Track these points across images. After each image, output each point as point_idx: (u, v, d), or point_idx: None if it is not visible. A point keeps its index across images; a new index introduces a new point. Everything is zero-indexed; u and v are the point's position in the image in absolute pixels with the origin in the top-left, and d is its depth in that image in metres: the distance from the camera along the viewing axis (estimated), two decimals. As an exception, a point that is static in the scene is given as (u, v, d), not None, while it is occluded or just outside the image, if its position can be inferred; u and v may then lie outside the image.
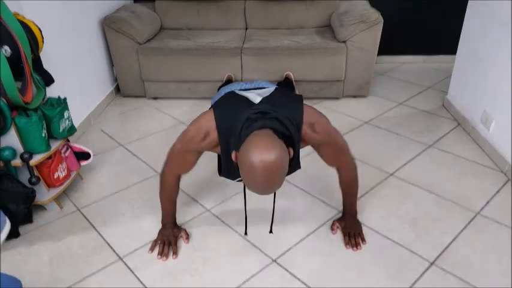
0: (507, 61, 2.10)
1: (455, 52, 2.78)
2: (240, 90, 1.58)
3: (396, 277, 1.52)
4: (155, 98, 3.15)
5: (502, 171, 2.14)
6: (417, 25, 3.63)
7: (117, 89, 3.22)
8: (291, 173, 1.45)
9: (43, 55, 1.93)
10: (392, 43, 3.59)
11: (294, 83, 2.82)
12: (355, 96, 3.09)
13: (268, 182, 1.17)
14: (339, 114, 2.84)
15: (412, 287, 1.48)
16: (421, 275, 1.53)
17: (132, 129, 2.69)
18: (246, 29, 3.36)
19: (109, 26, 2.86)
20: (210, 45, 2.92)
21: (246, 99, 1.40)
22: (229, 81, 2.80)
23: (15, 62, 1.66)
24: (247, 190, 1.49)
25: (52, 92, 1.99)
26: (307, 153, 2.31)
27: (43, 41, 1.86)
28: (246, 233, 1.73)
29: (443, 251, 1.64)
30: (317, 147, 1.51)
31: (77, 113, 2.57)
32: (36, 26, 1.82)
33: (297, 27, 3.28)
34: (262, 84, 1.67)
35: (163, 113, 2.92)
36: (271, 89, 1.48)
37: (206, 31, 3.25)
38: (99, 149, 2.45)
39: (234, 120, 1.29)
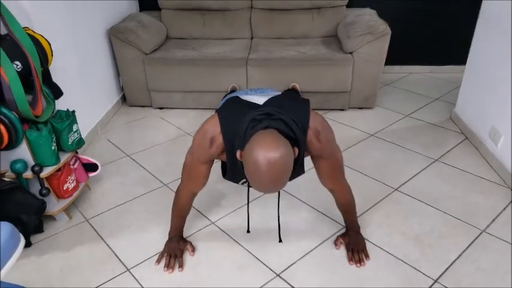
0: (514, 77, 2.10)
1: (464, 62, 2.76)
2: (245, 95, 1.58)
3: (400, 295, 1.54)
4: (161, 108, 3.18)
5: (509, 188, 2.14)
6: (425, 35, 3.63)
7: (124, 99, 3.27)
8: (295, 177, 1.44)
9: (51, 67, 1.97)
10: (400, 53, 3.59)
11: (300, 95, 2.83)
12: (361, 108, 3.10)
13: (272, 179, 1.16)
14: (344, 126, 2.85)
15: (415, 306, 1.49)
16: (425, 293, 1.55)
17: (138, 140, 2.73)
18: (252, 38, 3.39)
19: (115, 36, 2.90)
20: (215, 56, 2.95)
21: (250, 103, 1.39)
22: (233, 91, 2.82)
23: (25, 75, 1.70)
24: (251, 190, 1.47)
25: (60, 102, 2.02)
26: (307, 170, 2.34)
27: (52, 54, 1.90)
28: (248, 231, 1.71)
29: (447, 269, 1.65)
30: (316, 160, 1.49)
31: (85, 123, 2.61)
32: (46, 39, 1.86)
33: (303, 37, 3.30)
34: (267, 91, 1.68)
35: (168, 123, 2.95)
36: (277, 92, 1.47)
37: (212, 41, 3.28)
38: (106, 159, 2.48)
39: (238, 123, 1.28)
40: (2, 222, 1.02)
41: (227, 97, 1.73)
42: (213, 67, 2.92)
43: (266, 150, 1.13)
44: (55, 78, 1.99)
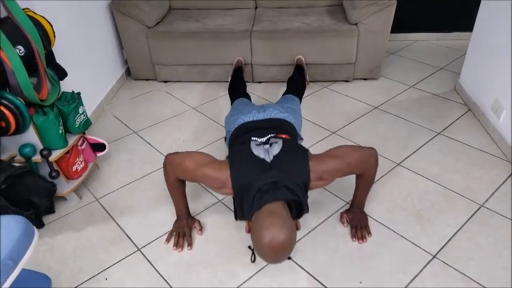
0: (521, 51, 2.07)
1: (471, 29, 2.69)
2: (253, 122, 1.80)
3: (399, 270, 1.60)
4: (166, 82, 3.17)
5: (510, 161, 2.16)
6: (431, 1, 3.52)
7: (128, 72, 3.25)
8: (300, 217, 1.54)
9: (54, 47, 1.95)
10: (405, 20, 3.51)
11: (305, 70, 2.81)
12: (366, 79, 3.07)
13: (276, 258, 1.34)
14: (349, 99, 2.85)
15: (413, 280, 1.56)
16: (423, 268, 1.61)
17: (144, 115, 2.75)
18: (256, 8, 3.31)
19: (118, 10, 2.85)
20: (219, 29, 2.90)
21: (260, 160, 1.48)
22: (238, 70, 2.79)
23: (28, 59, 1.70)
24: None
25: (65, 80, 2.02)
26: (313, 144, 2.36)
27: (54, 36, 1.88)
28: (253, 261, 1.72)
29: (445, 244, 1.71)
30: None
31: (90, 99, 2.63)
32: (47, 21, 1.83)
33: (308, 6, 3.22)
34: (274, 113, 1.84)
35: (174, 98, 2.96)
36: (279, 144, 1.54)
37: (215, 11, 3.21)
38: (113, 136, 2.52)
39: (248, 183, 1.42)
40: (16, 217, 1.07)
41: (233, 125, 1.85)
42: (217, 40, 2.88)
43: (271, 239, 1.26)
44: (58, 58, 1.97)
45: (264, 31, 2.87)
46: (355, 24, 2.80)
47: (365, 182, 1.73)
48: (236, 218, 1.61)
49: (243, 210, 1.46)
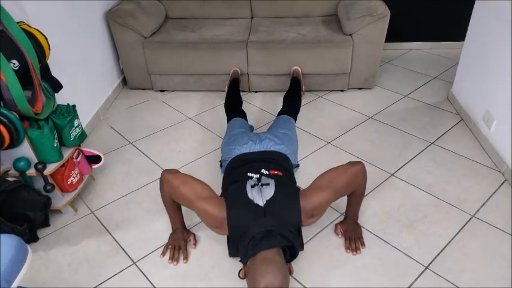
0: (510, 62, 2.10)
1: (464, 38, 2.72)
2: (249, 153, 1.89)
3: (393, 282, 1.62)
4: (162, 91, 3.19)
5: (500, 171, 2.19)
6: (425, 10, 3.56)
7: (124, 81, 3.27)
8: (296, 257, 1.58)
9: (50, 58, 1.96)
10: (399, 29, 3.54)
11: (301, 81, 2.83)
12: (360, 89, 3.10)
13: None
14: (344, 109, 2.87)
15: (406, 293, 1.58)
16: (415, 280, 1.63)
17: (140, 125, 2.76)
18: (252, 17, 3.34)
19: (114, 20, 2.87)
20: (215, 39, 2.93)
21: (253, 205, 1.53)
22: (234, 82, 2.81)
23: (23, 72, 1.70)
24: None
25: (60, 91, 2.02)
26: (308, 154, 2.38)
27: (49, 49, 1.89)
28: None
29: (437, 255, 1.73)
30: None
31: (86, 110, 2.64)
32: (42, 34, 1.84)
33: (304, 15, 3.25)
34: (269, 145, 1.93)
35: (170, 107, 2.97)
36: (271, 187, 1.59)
37: (212, 20, 3.24)
38: (109, 146, 2.53)
39: (243, 227, 1.49)
40: (8, 236, 1.07)
41: (230, 155, 1.94)
42: (213, 50, 2.90)
43: (266, 284, 1.32)
44: (54, 68, 1.98)
45: (260, 41, 2.89)
46: (350, 34, 2.83)
47: (355, 197, 1.76)
48: (230, 255, 1.66)
49: (237, 251, 1.52)
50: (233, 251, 1.62)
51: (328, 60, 2.87)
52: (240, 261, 1.53)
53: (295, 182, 1.88)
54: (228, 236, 1.63)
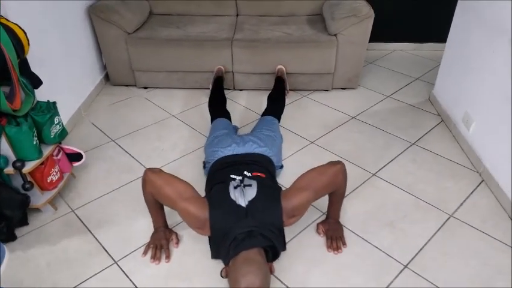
0: (490, 65, 2.15)
1: (445, 40, 2.77)
2: (232, 156, 1.91)
3: (373, 280, 1.65)
4: (145, 88, 3.16)
5: (478, 172, 2.24)
6: (409, 12, 3.61)
7: (107, 77, 3.22)
8: (278, 257, 1.61)
9: (29, 53, 1.91)
10: (383, 30, 3.58)
11: (286, 80, 2.84)
12: (344, 88, 3.13)
13: None
14: (327, 109, 2.89)
15: (385, 291, 1.61)
16: (395, 278, 1.66)
17: (122, 123, 2.72)
18: (237, 15, 3.33)
19: (97, 15, 2.82)
20: (200, 36, 2.91)
21: (236, 207, 1.54)
22: (218, 80, 2.80)
23: (1, 67, 1.66)
24: None
25: (41, 87, 1.97)
26: (291, 154, 2.40)
27: (28, 44, 1.85)
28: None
29: (416, 254, 1.76)
30: None
31: (68, 106, 2.60)
32: (21, 28, 1.79)
33: (289, 14, 3.26)
34: (252, 148, 1.95)
35: (154, 105, 2.95)
36: (254, 188, 1.61)
37: (197, 17, 3.22)
38: (91, 144, 2.49)
39: (225, 229, 1.50)
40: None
41: (213, 157, 1.95)
42: (198, 48, 2.88)
43: (247, 283, 1.33)
44: (34, 64, 1.93)
45: (245, 40, 2.89)
46: (335, 35, 2.85)
47: (336, 196, 1.79)
48: (212, 256, 1.66)
49: (219, 253, 1.54)
50: (215, 253, 1.63)
51: (312, 60, 2.89)
52: (220, 259, 1.54)
53: (277, 184, 1.89)
54: (209, 238, 1.63)
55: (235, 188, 1.62)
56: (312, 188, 1.60)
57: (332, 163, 1.72)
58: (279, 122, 2.34)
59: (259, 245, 1.46)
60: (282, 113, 2.45)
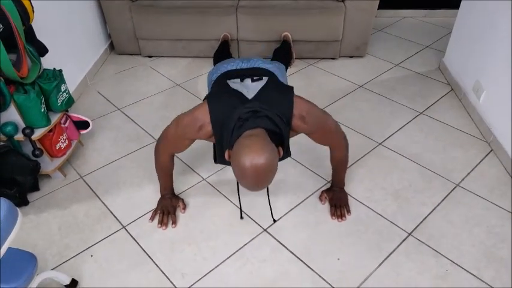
0: (504, 34, 2.09)
1: (458, 6, 2.67)
2: (236, 70, 1.64)
3: (375, 248, 1.67)
4: (150, 56, 3.13)
5: (487, 142, 2.22)
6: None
7: (112, 46, 3.19)
8: (282, 160, 1.51)
9: (34, 22, 1.90)
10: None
11: (292, 46, 2.79)
12: (351, 57, 3.07)
13: (258, 183, 1.26)
14: (334, 77, 2.85)
15: (389, 257, 1.64)
16: (398, 246, 1.68)
17: (128, 92, 2.72)
18: (243, -19, 3.23)
19: (100, -19, 2.76)
20: (204, 3, 2.85)
21: (240, 94, 1.43)
22: (225, 42, 2.76)
23: (7, 35, 1.66)
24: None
25: (46, 56, 1.98)
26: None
27: (33, 11, 1.83)
28: (241, 217, 1.80)
29: (420, 223, 1.78)
30: (308, 135, 1.57)
31: (73, 75, 2.59)
32: (26, -4, 1.78)
33: (296, -21, 3.16)
34: (258, 63, 1.69)
35: (158, 74, 2.93)
36: (263, 81, 1.49)
37: (201, -17, 3.13)
38: (97, 113, 2.50)
39: (227, 116, 1.36)
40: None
41: (218, 69, 1.73)
42: (202, 15, 2.82)
43: (252, 158, 1.20)
44: (39, 34, 1.93)
45: (250, 6, 2.82)
46: (343, 1, 2.77)
47: (337, 162, 1.77)
48: (215, 160, 1.55)
49: (223, 147, 1.39)
50: (220, 152, 1.46)
51: (319, 26, 2.82)
52: (225, 163, 1.45)
53: None
54: (214, 136, 1.48)
55: (237, 83, 1.49)
56: (325, 117, 1.54)
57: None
58: (286, 69, 2.16)
59: (264, 126, 1.32)
60: (288, 63, 2.34)
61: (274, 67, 1.75)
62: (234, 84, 1.49)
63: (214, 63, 2.36)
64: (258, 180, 1.24)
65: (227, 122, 1.35)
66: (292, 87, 1.51)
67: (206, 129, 1.43)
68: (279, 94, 1.45)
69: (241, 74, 1.57)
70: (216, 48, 2.71)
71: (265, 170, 1.22)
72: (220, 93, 1.49)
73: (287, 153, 1.53)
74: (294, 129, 1.47)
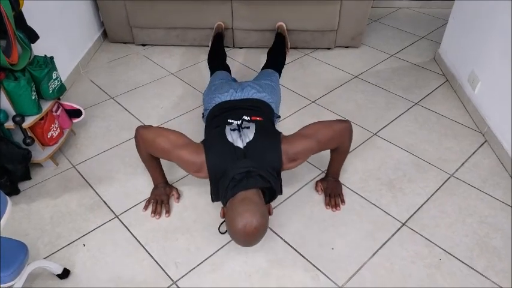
0: (500, 25, 2.08)
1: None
2: (230, 101, 1.82)
3: (369, 238, 1.67)
4: (144, 45, 3.09)
5: (481, 132, 2.23)
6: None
7: (105, 34, 3.14)
8: (274, 199, 1.58)
9: (24, 8, 1.86)
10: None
11: (287, 37, 2.76)
12: (347, 47, 3.05)
13: (249, 243, 1.40)
14: (329, 67, 2.84)
15: (382, 246, 1.64)
16: (392, 236, 1.69)
17: (121, 80, 2.68)
18: (238, -31, 3.19)
19: (92, -33, 2.71)
20: (199, -9, 2.81)
21: (233, 147, 1.52)
22: (218, 37, 2.72)
23: (-4, 22, 1.62)
24: None
25: (38, 44, 1.94)
26: (292, 113, 2.38)
27: (23, -4, 1.79)
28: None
29: (414, 213, 1.78)
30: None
31: (66, 63, 2.55)
32: (15, -20, 1.74)
33: (292, -32, 3.12)
34: (251, 93, 1.86)
35: (152, 62, 2.89)
36: (252, 128, 1.58)
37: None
38: (90, 101, 2.47)
39: (222, 171, 1.47)
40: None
41: (211, 103, 1.87)
42: (197, 3, 2.78)
43: (244, 225, 1.32)
44: (30, 20, 1.89)
45: (245, -5, 2.79)
46: (339, -10, 2.74)
47: (338, 154, 1.77)
48: (213, 200, 1.64)
49: (219, 195, 1.51)
50: (215, 195, 1.58)
51: (315, 16, 2.80)
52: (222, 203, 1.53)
53: (276, 129, 1.83)
54: (210, 181, 1.60)
55: (232, 130, 1.58)
56: (315, 138, 1.58)
57: (340, 120, 1.69)
58: (279, 76, 2.27)
59: (256, 186, 1.43)
60: (282, 67, 2.38)
61: (267, 94, 1.90)
62: (229, 134, 1.57)
63: (210, 67, 2.39)
64: (249, 242, 1.39)
65: (222, 177, 1.46)
66: (279, 134, 1.60)
67: (202, 175, 1.54)
68: (267, 147, 1.54)
69: (235, 107, 1.76)
70: (210, 45, 2.68)
71: (255, 235, 1.35)
72: (216, 145, 1.55)
73: (279, 192, 1.59)
74: (289, 168, 1.57)
